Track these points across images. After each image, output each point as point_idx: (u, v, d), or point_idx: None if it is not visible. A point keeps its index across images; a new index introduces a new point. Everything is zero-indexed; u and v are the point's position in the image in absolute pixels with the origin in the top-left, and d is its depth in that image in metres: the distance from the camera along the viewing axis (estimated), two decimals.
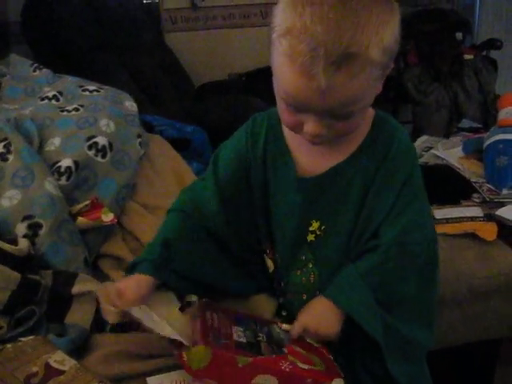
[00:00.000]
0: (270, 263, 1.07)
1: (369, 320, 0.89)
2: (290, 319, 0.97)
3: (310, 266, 0.99)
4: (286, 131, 0.98)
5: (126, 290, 0.90)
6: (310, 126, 0.83)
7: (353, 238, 0.95)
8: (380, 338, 0.89)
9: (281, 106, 0.87)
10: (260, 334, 0.93)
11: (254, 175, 1.01)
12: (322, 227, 0.97)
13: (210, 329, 0.89)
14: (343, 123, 0.84)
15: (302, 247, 0.99)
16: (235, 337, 0.89)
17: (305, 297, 1.01)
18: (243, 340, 0.89)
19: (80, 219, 1.25)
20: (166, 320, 0.91)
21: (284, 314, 1.07)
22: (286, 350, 0.88)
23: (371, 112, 0.96)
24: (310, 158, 0.96)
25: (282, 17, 0.80)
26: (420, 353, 1.01)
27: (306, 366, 0.86)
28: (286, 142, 0.99)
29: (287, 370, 0.84)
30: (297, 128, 0.87)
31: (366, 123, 0.94)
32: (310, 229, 0.98)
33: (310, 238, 0.98)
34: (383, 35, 0.78)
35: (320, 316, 0.92)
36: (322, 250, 0.98)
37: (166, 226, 1.03)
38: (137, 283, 0.92)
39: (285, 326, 0.96)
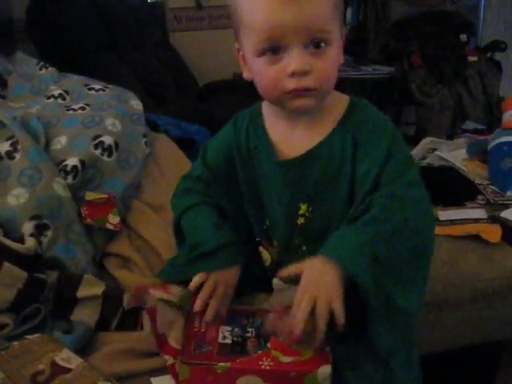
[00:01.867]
0: (266, 255, 1.07)
1: (363, 273, 0.80)
2: None
3: (304, 248, 1.00)
4: (266, 119, 1.01)
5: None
6: (293, 61, 0.85)
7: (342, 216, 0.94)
8: (371, 295, 0.81)
9: (259, 64, 0.89)
10: (249, 329, 0.93)
11: (241, 168, 1.04)
12: (310, 209, 0.98)
13: (194, 336, 0.91)
14: (321, 61, 0.86)
15: (295, 231, 1.00)
16: (220, 339, 0.90)
17: None
18: (228, 341, 0.90)
19: (89, 193, 1.27)
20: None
21: None
22: (268, 345, 0.87)
23: (345, 97, 0.99)
24: (289, 142, 0.99)
25: None
26: (407, 322, 0.90)
27: (288, 359, 0.84)
28: (267, 131, 1.01)
29: (268, 368, 0.83)
30: (280, 83, 0.88)
31: (341, 106, 0.97)
32: (300, 212, 0.99)
33: (301, 221, 0.99)
34: None
35: (318, 276, 0.83)
36: (312, 232, 0.99)
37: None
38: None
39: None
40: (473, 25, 3.82)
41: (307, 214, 0.98)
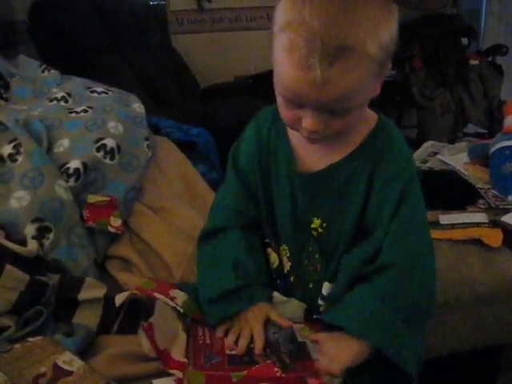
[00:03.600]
0: (274, 257, 1.07)
1: (401, 353, 0.90)
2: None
3: (317, 256, 1.00)
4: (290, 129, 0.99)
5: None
6: (308, 121, 0.84)
7: (354, 235, 0.97)
8: (411, 369, 0.91)
9: (280, 101, 0.88)
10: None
11: (259, 168, 1.03)
12: (324, 224, 0.98)
13: (202, 348, 0.91)
14: (340, 120, 0.85)
15: (309, 240, 1.00)
16: (227, 350, 0.91)
17: (311, 285, 1.02)
18: (235, 352, 0.91)
19: (91, 196, 1.27)
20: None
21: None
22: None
23: (374, 115, 0.97)
24: (311, 155, 0.98)
25: (282, 12, 0.82)
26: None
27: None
28: (289, 137, 1.00)
29: (283, 375, 0.85)
30: (295, 124, 0.88)
31: (367, 125, 0.96)
32: (312, 226, 0.99)
33: (314, 233, 0.99)
34: (380, 31, 0.79)
35: (343, 345, 0.91)
36: (326, 244, 0.99)
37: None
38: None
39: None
40: (474, 28, 3.82)
41: (320, 230, 0.99)
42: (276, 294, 1.03)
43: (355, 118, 0.87)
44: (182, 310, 0.98)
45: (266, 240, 1.07)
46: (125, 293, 1.06)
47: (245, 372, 0.85)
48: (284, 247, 1.04)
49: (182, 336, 0.94)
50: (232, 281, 0.96)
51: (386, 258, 0.93)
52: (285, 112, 0.89)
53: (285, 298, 1.04)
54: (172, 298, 0.99)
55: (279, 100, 0.89)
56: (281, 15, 0.82)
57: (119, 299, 1.05)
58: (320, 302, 1.02)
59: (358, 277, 0.95)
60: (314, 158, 0.97)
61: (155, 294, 0.99)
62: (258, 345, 0.92)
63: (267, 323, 0.96)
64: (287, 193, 1.00)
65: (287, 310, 1.04)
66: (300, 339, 0.95)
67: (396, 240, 0.93)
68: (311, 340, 0.94)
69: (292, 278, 1.05)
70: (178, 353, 0.91)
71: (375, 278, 0.93)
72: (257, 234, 1.05)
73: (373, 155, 0.94)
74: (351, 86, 0.80)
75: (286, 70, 0.81)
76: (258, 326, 0.94)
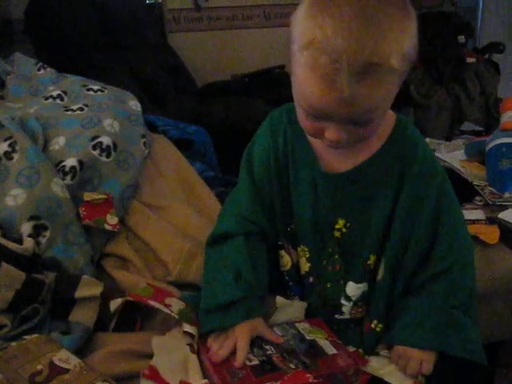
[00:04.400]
0: (287, 259, 1.07)
1: (473, 352, 0.97)
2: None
3: (336, 256, 1.01)
4: None
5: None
6: (331, 133, 0.84)
7: (381, 235, 0.98)
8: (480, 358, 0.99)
9: (300, 113, 0.87)
10: (266, 347, 0.93)
11: (276, 171, 1.02)
12: (348, 225, 0.99)
13: (222, 366, 0.89)
14: (363, 129, 0.84)
15: (330, 241, 1.00)
16: (247, 362, 0.89)
17: (329, 285, 1.03)
18: (256, 362, 0.90)
19: (87, 194, 1.26)
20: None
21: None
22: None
23: (390, 112, 0.97)
24: (334, 156, 0.97)
25: (301, 28, 0.79)
26: None
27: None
28: (308, 139, 0.99)
29: (315, 380, 0.85)
30: (316, 134, 0.88)
31: (387, 124, 0.96)
32: (336, 227, 0.99)
33: (337, 234, 1.00)
34: (403, 43, 0.77)
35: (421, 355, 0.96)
36: (348, 245, 1.00)
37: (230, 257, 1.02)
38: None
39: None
40: (471, 26, 3.82)
41: (344, 230, 0.99)
42: (278, 299, 1.03)
43: (378, 124, 0.87)
44: (177, 317, 0.97)
45: (279, 242, 1.07)
46: (118, 299, 1.05)
47: (279, 382, 0.84)
48: (303, 248, 1.04)
49: (193, 358, 0.92)
50: (231, 293, 0.95)
51: (439, 266, 0.96)
52: (306, 123, 0.88)
53: (286, 301, 1.04)
54: (167, 305, 0.99)
55: (300, 112, 0.87)
56: (301, 32, 0.80)
57: (113, 305, 1.05)
58: (343, 301, 1.03)
59: (407, 287, 0.99)
60: (337, 158, 0.97)
61: (150, 301, 0.99)
62: (240, 357, 0.90)
63: (255, 339, 0.95)
64: (310, 194, 0.99)
65: (290, 311, 1.04)
66: (308, 337, 0.95)
67: (447, 247, 0.97)
68: (319, 338, 0.95)
69: (311, 279, 1.05)
70: (195, 377, 0.89)
71: (432, 287, 0.97)
72: (262, 242, 1.04)
73: (399, 155, 0.95)
74: (377, 100, 0.80)
75: (309, 87, 0.79)
76: (243, 341, 0.92)
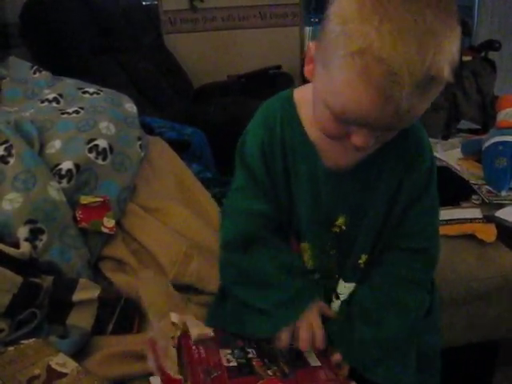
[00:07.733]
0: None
1: None
2: None
3: (332, 252, 1.00)
4: (303, 118, 0.94)
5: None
6: (360, 138, 0.79)
7: (376, 234, 0.98)
8: None
9: (325, 116, 0.81)
10: (248, 350, 0.92)
11: (272, 162, 0.96)
12: (347, 221, 0.97)
13: (198, 363, 0.87)
14: (392, 133, 0.82)
15: (328, 237, 0.99)
16: (225, 362, 0.88)
17: (327, 281, 1.02)
18: (234, 364, 0.88)
19: (84, 197, 1.26)
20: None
21: None
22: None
23: None
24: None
25: (352, 29, 0.71)
26: None
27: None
28: (307, 133, 0.94)
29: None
30: (338, 137, 0.83)
31: None
32: (336, 223, 0.98)
33: (335, 230, 0.98)
34: (455, 52, 0.73)
35: None
36: (344, 241, 0.99)
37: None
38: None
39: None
40: (467, 24, 3.82)
41: (343, 227, 0.98)
42: None
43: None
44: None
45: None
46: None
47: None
48: (306, 245, 1.02)
49: (173, 352, 0.90)
50: (295, 284, 0.95)
51: (414, 243, 0.98)
52: (329, 126, 0.82)
53: None
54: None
55: (324, 114, 0.81)
56: (351, 34, 0.70)
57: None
58: (334, 298, 1.02)
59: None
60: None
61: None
62: (319, 335, 0.92)
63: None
64: (309, 189, 0.96)
65: None
66: (295, 347, 0.94)
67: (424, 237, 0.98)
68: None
69: (316, 275, 1.04)
70: (171, 369, 0.87)
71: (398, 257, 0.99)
72: (281, 232, 1.01)
73: (405, 156, 0.93)
74: (423, 110, 0.76)
75: (357, 97, 0.73)
76: (317, 321, 0.94)
